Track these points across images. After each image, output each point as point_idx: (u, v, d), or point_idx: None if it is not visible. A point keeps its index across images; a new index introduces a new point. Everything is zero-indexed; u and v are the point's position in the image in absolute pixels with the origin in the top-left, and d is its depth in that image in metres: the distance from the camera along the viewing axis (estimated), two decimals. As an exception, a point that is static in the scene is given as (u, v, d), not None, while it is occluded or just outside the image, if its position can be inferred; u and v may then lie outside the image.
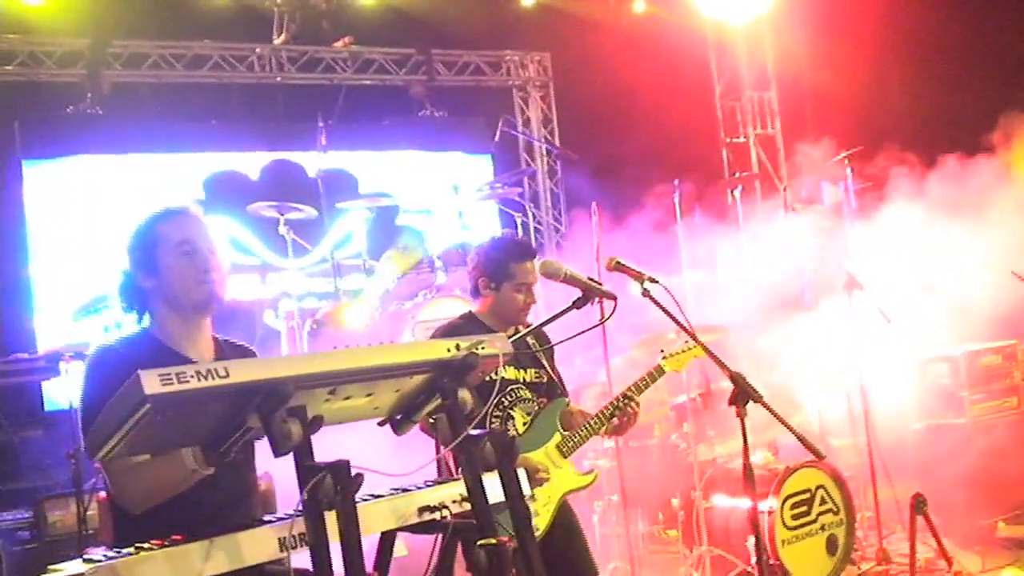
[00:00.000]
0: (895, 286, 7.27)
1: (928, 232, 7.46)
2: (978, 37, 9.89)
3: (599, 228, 6.88)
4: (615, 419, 4.55)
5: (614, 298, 3.92)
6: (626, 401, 4.54)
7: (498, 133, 10.00)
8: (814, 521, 6.18)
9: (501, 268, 4.51)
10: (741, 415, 3.70)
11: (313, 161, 9.28)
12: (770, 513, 6.00)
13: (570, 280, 4.06)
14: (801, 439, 3.68)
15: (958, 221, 7.37)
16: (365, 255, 8.21)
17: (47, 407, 8.84)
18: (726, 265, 8.90)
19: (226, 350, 3.38)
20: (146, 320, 3.27)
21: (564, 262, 4.27)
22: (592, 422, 4.55)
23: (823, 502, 6.24)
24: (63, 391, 7.47)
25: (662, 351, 4.91)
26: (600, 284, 4.00)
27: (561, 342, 4.27)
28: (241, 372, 2.37)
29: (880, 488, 6.68)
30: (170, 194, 9.19)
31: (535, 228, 11.16)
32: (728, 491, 6.40)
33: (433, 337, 4.45)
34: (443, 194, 8.79)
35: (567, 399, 4.69)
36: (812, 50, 11.12)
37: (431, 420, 2.93)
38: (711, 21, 11.61)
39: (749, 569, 6.03)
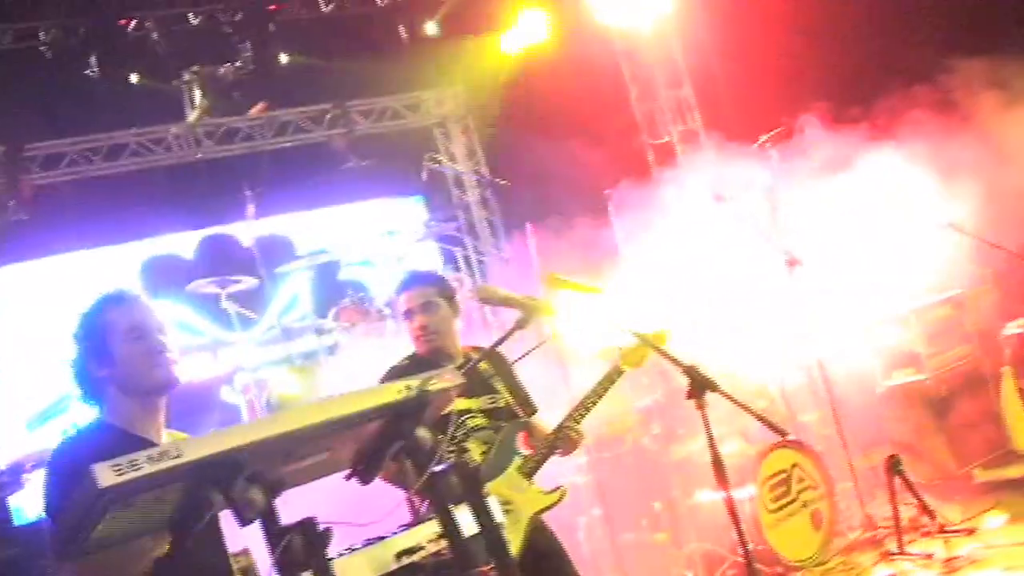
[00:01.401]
0: (835, 253, 7.34)
1: (860, 196, 7.54)
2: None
3: (537, 248, 6.92)
4: (557, 448, 4.57)
5: (551, 313, 3.95)
6: (586, 409, 4.57)
7: (425, 173, 10.05)
8: (795, 500, 6.23)
9: (396, 304, 4.70)
10: (701, 407, 3.73)
11: (246, 231, 9.26)
12: (751, 499, 6.05)
13: (508, 302, 4.09)
14: (763, 420, 3.73)
15: (890, 179, 7.47)
16: (312, 316, 8.20)
17: (16, 522, 8.68)
18: (668, 263, 8.97)
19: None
20: (102, 409, 3.24)
21: (508, 286, 4.30)
22: (543, 449, 4.56)
23: (801, 480, 6.30)
24: (31, 503, 7.35)
25: (619, 350, 4.92)
26: (538, 301, 4.02)
27: (515, 361, 4.29)
28: (194, 450, 2.35)
29: (855, 456, 6.74)
30: (108, 287, 9.09)
31: (478, 260, 11.20)
32: (709, 485, 6.43)
33: (383, 382, 4.45)
34: (380, 242, 8.80)
35: (524, 420, 4.68)
36: (721, 40, 11.27)
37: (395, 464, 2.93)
38: (617, 29, 11.73)
39: (740, 560, 6.06)
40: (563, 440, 4.55)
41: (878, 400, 7.45)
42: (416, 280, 4.77)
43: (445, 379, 2.87)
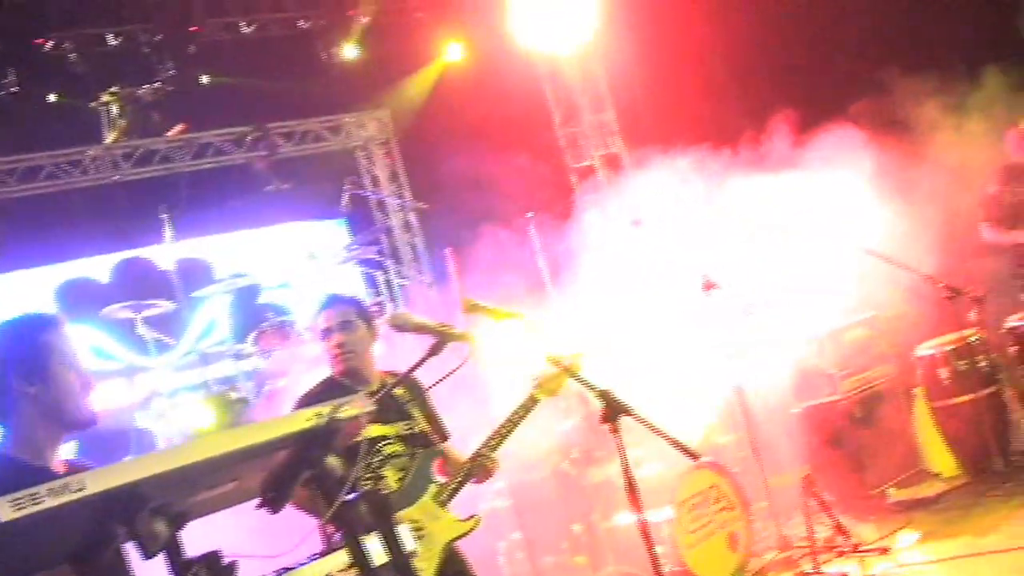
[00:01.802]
0: (757, 276, 7.45)
1: (781, 217, 7.66)
2: (814, 20, 10.34)
3: (459, 272, 6.93)
4: (472, 476, 4.58)
5: (468, 339, 3.96)
6: (481, 459, 4.59)
7: (346, 197, 10.01)
8: (712, 521, 6.29)
9: (315, 324, 4.73)
10: (615, 431, 3.76)
11: (163, 254, 9.14)
12: (670, 521, 6.09)
13: (421, 329, 4.09)
14: (675, 444, 3.76)
15: (810, 203, 7.59)
16: (231, 341, 8.10)
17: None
18: (590, 287, 9.03)
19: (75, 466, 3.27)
20: (6, 429, 3.14)
21: (431, 310, 4.31)
22: (458, 476, 4.56)
23: (718, 501, 6.36)
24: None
25: (533, 378, 4.94)
26: (451, 328, 4.03)
27: (430, 388, 4.29)
28: (97, 482, 2.31)
29: (771, 476, 6.83)
30: (29, 310, 8.90)
31: (400, 284, 11.17)
32: (628, 508, 6.45)
33: (296, 409, 4.42)
34: (301, 265, 8.74)
35: (439, 448, 4.69)
36: (643, 64, 11.42)
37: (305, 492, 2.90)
38: (541, 54, 11.82)
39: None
40: (478, 468, 4.57)
41: (794, 421, 7.55)
42: (336, 300, 4.81)
43: (356, 406, 2.85)
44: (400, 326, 4.18)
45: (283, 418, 3.02)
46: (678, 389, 7.46)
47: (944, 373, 7.04)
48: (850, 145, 7.80)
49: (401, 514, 4.33)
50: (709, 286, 6.76)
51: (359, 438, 3.24)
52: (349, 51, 11.10)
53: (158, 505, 2.39)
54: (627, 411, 3.74)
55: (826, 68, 10.28)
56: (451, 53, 11.74)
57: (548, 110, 12.27)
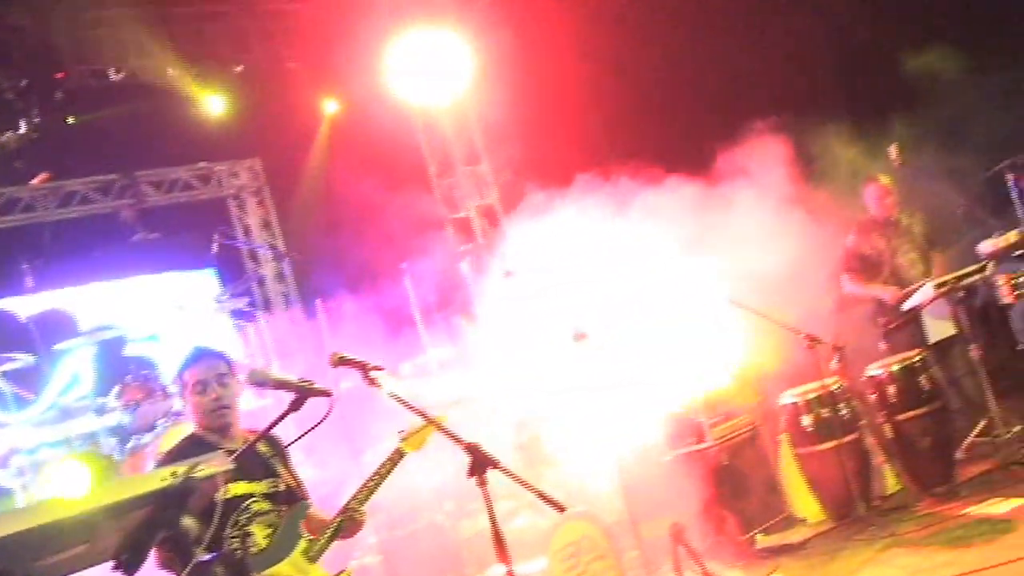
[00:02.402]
0: (626, 325, 7.55)
1: (645, 271, 7.80)
2: (676, 71, 10.61)
3: (331, 323, 6.88)
4: (356, 514, 4.54)
5: (329, 394, 3.92)
6: (350, 513, 4.55)
7: (215, 246, 9.85)
8: (585, 571, 6.31)
9: (181, 380, 4.60)
10: (483, 484, 3.75)
11: (24, 305, 8.84)
12: (543, 572, 6.09)
13: (281, 385, 4.03)
14: (541, 496, 3.77)
15: (674, 253, 7.74)
16: (93, 395, 7.86)
17: None
18: (466, 338, 9.05)
19: None
20: None
21: (303, 361, 4.26)
22: (327, 532, 4.50)
23: (590, 551, 6.38)
24: None
25: (400, 432, 4.92)
26: (312, 383, 3.98)
27: (291, 443, 4.23)
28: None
29: (642, 525, 6.88)
30: None
31: (271, 335, 10.99)
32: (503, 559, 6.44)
33: (157, 466, 4.31)
34: (169, 316, 8.55)
35: (308, 502, 4.64)
36: (517, 117, 11.56)
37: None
38: (416, 106, 11.87)
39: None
40: (348, 522, 4.52)
41: (663, 469, 7.63)
42: (209, 354, 4.72)
43: (213, 464, 2.80)
44: (260, 382, 4.11)
45: (137, 478, 2.95)
46: (553, 437, 7.51)
47: (807, 420, 7.19)
48: (713, 195, 7.99)
49: (271, 571, 4.25)
50: (580, 336, 6.83)
51: (220, 497, 3.17)
52: (220, 99, 10.98)
53: (2, 570, 2.30)
54: (494, 464, 3.73)
55: (692, 117, 10.56)
56: (326, 103, 11.71)
57: (424, 161, 12.32)
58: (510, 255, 7.93)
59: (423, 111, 12.01)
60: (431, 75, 11.05)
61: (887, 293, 7.98)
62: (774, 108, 8.88)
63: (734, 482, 7.40)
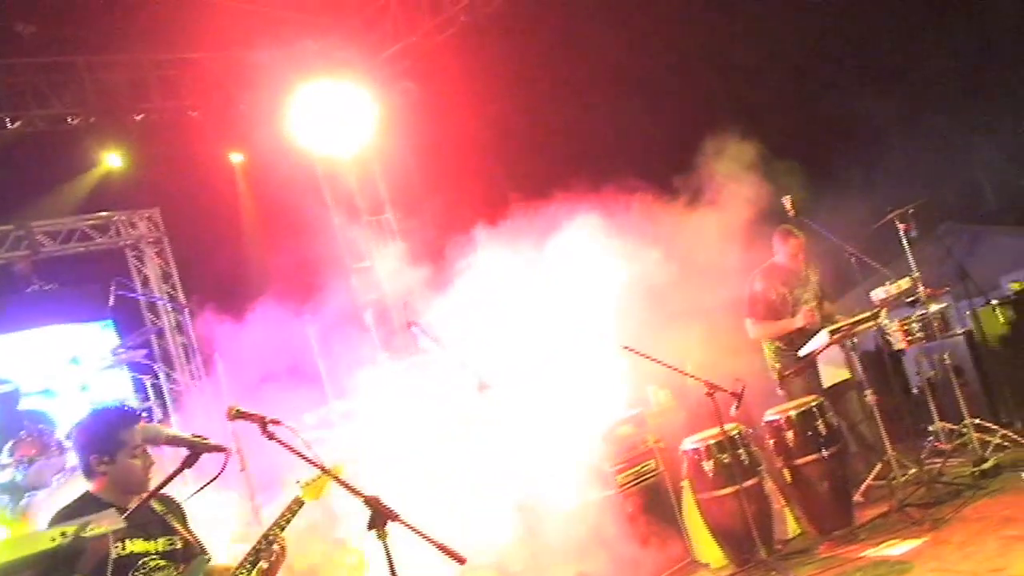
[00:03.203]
0: (525, 376, 7.58)
1: (545, 319, 7.84)
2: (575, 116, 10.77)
3: (230, 375, 6.79)
4: (262, 562, 4.46)
5: (223, 450, 3.87)
6: (268, 542, 4.47)
7: (112, 298, 9.66)
8: (490, 623, 6.28)
9: (111, 440, 4.35)
10: (383, 537, 3.73)
11: (-90, 360, 8.56)
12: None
13: (174, 441, 3.97)
14: (441, 548, 3.75)
15: (575, 303, 7.80)
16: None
17: None
18: (370, 390, 8.99)
19: None
20: None
21: (203, 414, 4.20)
22: (239, 572, 4.43)
23: (493, 602, 6.36)
24: None
25: (297, 481, 4.86)
26: (205, 439, 3.93)
27: (188, 498, 4.16)
28: None
29: (548, 573, 6.88)
30: None
31: (170, 388, 10.80)
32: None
33: (51, 525, 4.19)
34: (64, 370, 8.35)
35: (208, 556, 4.54)
36: (420, 166, 11.61)
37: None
38: (320, 157, 11.86)
39: None
40: (267, 552, 4.43)
41: (568, 517, 7.64)
42: (137, 413, 4.52)
43: (104, 524, 2.75)
44: (151, 439, 4.04)
45: (26, 537, 2.88)
46: (459, 490, 7.48)
47: (708, 466, 7.27)
48: (614, 244, 8.07)
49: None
50: (483, 387, 6.84)
51: (113, 555, 3.11)
52: (120, 149, 10.84)
53: None
54: (394, 517, 3.71)
55: (595, 161, 10.71)
56: (229, 153, 11.63)
57: (328, 211, 12.29)
58: (413, 305, 7.92)
59: (327, 162, 12.00)
60: (335, 126, 11.05)
61: (799, 320, 8.10)
62: (669, 155, 9.05)
63: (638, 528, 7.44)
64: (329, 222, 12.32)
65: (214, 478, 3.75)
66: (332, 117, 10.93)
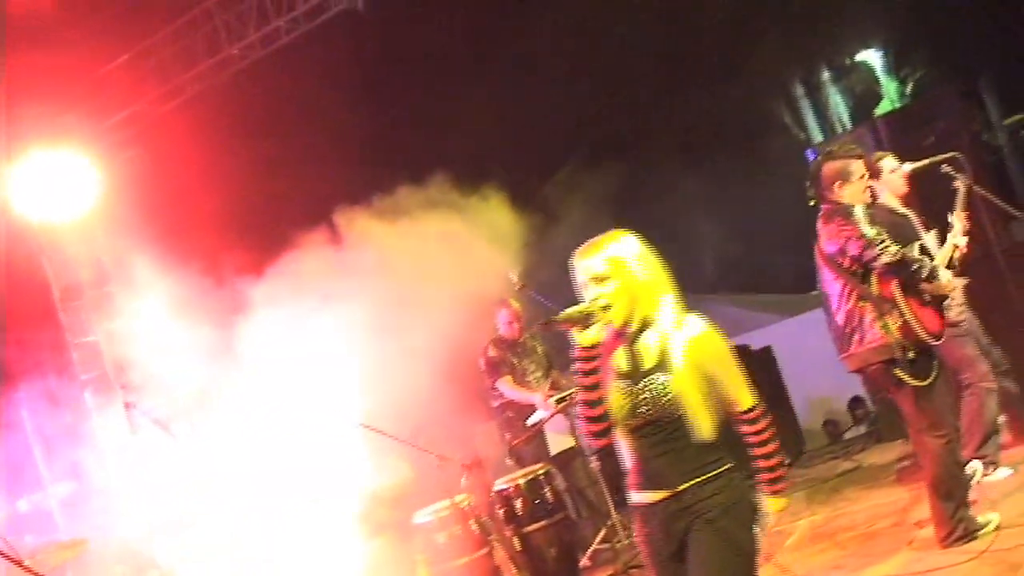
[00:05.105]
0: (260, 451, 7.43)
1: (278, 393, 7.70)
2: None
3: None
4: None
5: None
6: None
7: None
8: None
9: None
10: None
11: None
12: None
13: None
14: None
15: (303, 379, 7.70)
16: None
17: None
18: (94, 473, 8.59)
19: None
20: None
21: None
22: None
23: None
24: None
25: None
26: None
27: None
28: None
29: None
30: None
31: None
32: None
33: None
34: None
35: None
36: (147, 236, 11.21)
37: None
38: (39, 228, 11.23)
39: None
40: None
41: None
42: None
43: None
44: None
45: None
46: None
47: (441, 538, 7.30)
48: (343, 309, 7.99)
49: None
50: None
51: None
52: None
53: None
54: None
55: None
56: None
57: (47, 284, 11.62)
58: (135, 382, 7.63)
59: (47, 233, 11.39)
60: (54, 196, 10.53)
61: (538, 398, 8.23)
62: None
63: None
64: (49, 295, 11.68)
65: None
66: (51, 186, 10.42)
